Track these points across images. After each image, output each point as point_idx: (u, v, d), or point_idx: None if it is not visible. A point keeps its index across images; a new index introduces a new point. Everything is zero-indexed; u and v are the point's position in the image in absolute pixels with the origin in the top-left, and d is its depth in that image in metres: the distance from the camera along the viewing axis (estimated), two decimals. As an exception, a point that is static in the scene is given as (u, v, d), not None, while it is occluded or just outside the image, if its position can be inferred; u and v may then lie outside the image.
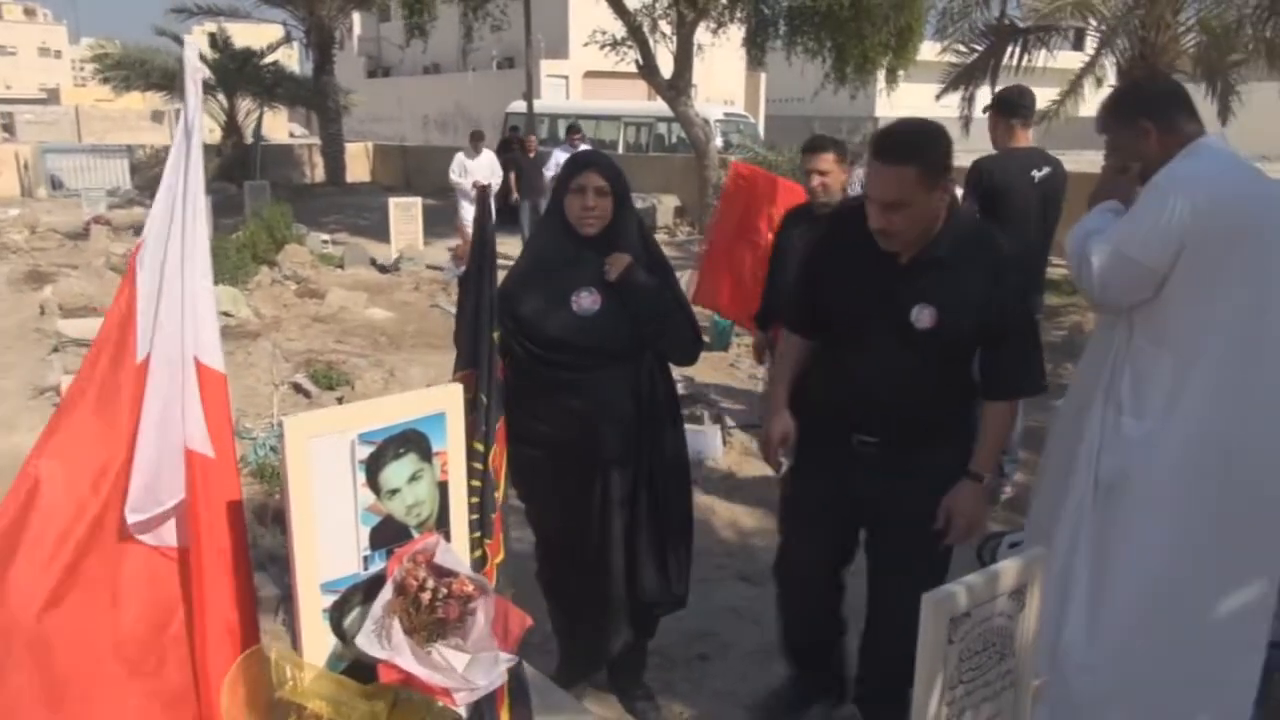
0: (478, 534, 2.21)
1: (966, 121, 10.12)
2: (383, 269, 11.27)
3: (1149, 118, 2.32)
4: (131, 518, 1.92)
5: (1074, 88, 8.64)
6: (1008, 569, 1.93)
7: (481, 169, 11.57)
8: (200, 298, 1.99)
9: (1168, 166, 2.27)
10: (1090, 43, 9.82)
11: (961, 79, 9.89)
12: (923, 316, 2.32)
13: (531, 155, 12.94)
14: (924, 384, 2.38)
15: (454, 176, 11.68)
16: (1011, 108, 4.24)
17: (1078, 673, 2.35)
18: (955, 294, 2.31)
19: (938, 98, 10.74)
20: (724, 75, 29.06)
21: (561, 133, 21.75)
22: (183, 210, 1.99)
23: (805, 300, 2.57)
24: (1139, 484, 2.28)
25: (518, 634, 2.05)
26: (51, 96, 44.38)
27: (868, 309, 2.40)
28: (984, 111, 4.51)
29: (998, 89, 9.45)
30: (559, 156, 10.85)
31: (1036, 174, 4.19)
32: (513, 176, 12.38)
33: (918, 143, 2.24)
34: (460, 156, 11.83)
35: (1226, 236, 2.19)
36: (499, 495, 2.27)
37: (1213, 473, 2.24)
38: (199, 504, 1.95)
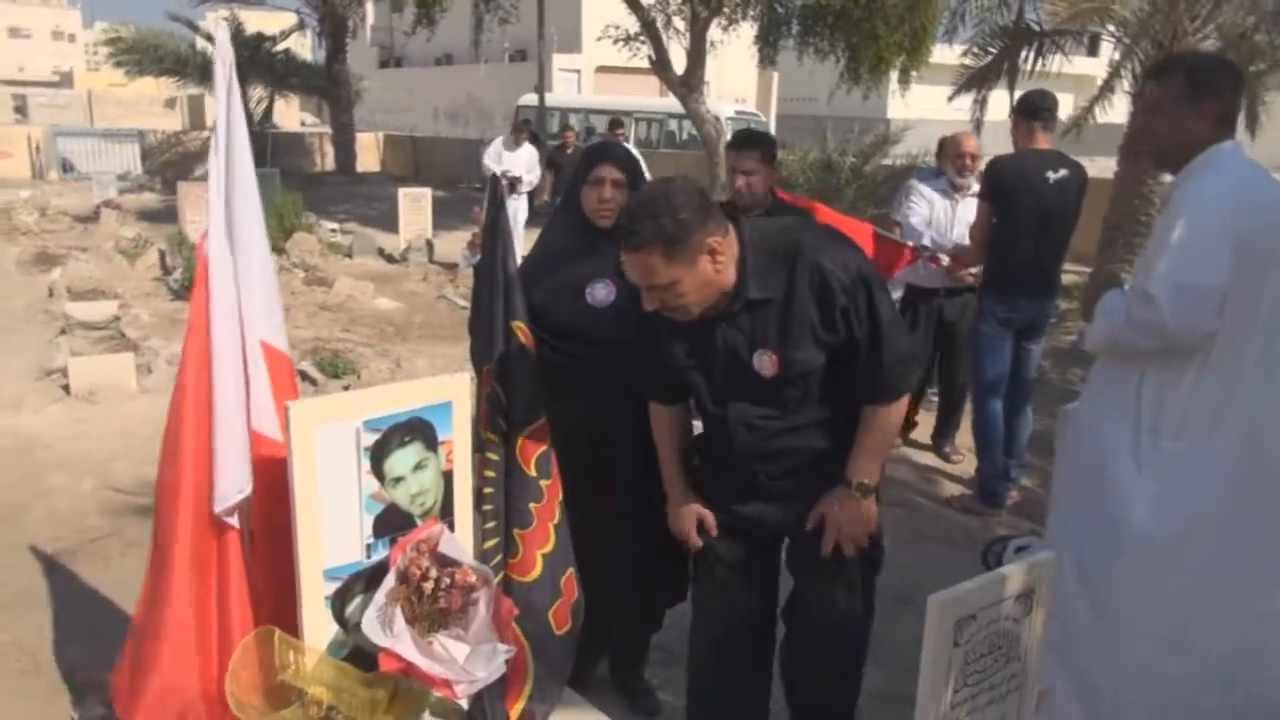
0: (493, 523, 2.20)
1: (979, 124, 10.08)
2: (391, 259, 11.26)
3: (1217, 100, 2.22)
4: (217, 505, 2.01)
5: (1103, 93, 8.54)
6: (1015, 573, 1.91)
7: (519, 163, 10.61)
8: (261, 280, 2.02)
9: (1196, 180, 2.21)
10: (1106, 48, 9.78)
11: (974, 81, 9.83)
12: (764, 363, 2.12)
13: (569, 151, 12.70)
14: (800, 428, 2.19)
15: (488, 162, 10.72)
16: (1033, 110, 4.22)
17: (1100, 692, 2.32)
18: (789, 328, 2.09)
19: (950, 99, 10.69)
20: (736, 73, 28.99)
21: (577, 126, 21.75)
22: (223, 195, 2.01)
23: (658, 365, 2.31)
24: (1188, 505, 2.22)
25: (508, 619, 2.05)
26: (64, 80, 44.45)
27: (711, 366, 2.19)
28: (1009, 116, 4.49)
29: (1014, 92, 9.43)
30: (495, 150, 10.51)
31: (1052, 175, 4.17)
32: (549, 173, 12.07)
33: (648, 219, 1.96)
34: (498, 144, 10.93)
35: (1265, 249, 2.14)
36: (544, 484, 2.26)
37: (1265, 488, 2.19)
38: (263, 486, 1.98)
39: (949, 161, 4.91)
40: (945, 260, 4.70)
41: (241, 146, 1.99)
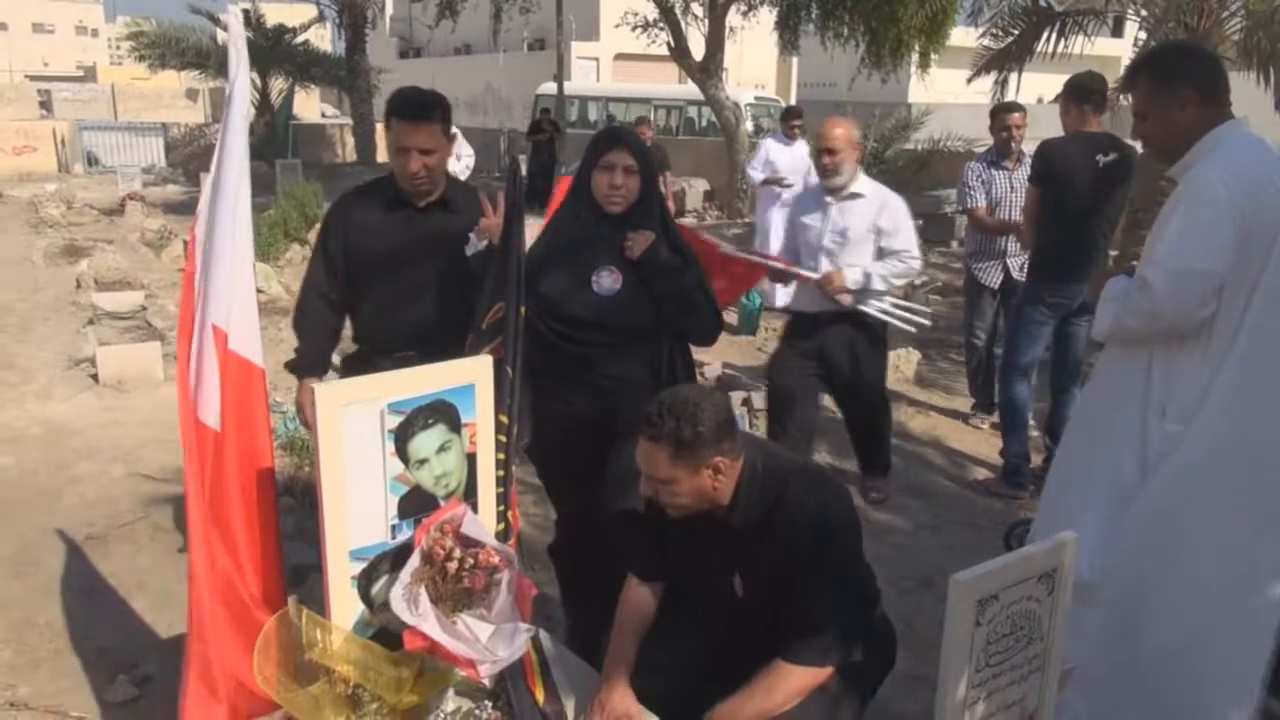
0: (503, 507, 2.22)
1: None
2: (411, 248, 11.31)
3: (1194, 86, 2.20)
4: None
5: None
6: (1037, 553, 1.91)
7: None
8: (227, 268, 2.04)
9: (1197, 166, 2.20)
10: (1130, 28, 9.62)
11: (994, 63, 9.71)
12: (738, 584, 2.12)
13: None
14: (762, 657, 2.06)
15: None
16: (1083, 93, 4.16)
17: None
18: (757, 565, 2.07)
19: (969, 81, 10.57)
20: (755, 59, 28.84)
21: (592, 115, 21.68)
22: (216, 183, 2.03)
23: (655, 542, 2.23)
24: (1185, 484, 2.23)
25: (528, 599, 2.07)
26: (88, 74, 44.83)
27: (699, 570, 2.17)
28: (1054, 101, 4.44)
29: (1029, 74, 9.27)
30: (771, 148, 8.03)
31: (1102, 159, 4.11)
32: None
33: (670, 419, 1.97)
34: None
35: (1265, 233, 2.13)
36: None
37: (1242, 473, 2.19)
38: (205, 474, 2.01)
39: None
40: (814, 278, 3.95)
41: (237, 132, 2.00)
